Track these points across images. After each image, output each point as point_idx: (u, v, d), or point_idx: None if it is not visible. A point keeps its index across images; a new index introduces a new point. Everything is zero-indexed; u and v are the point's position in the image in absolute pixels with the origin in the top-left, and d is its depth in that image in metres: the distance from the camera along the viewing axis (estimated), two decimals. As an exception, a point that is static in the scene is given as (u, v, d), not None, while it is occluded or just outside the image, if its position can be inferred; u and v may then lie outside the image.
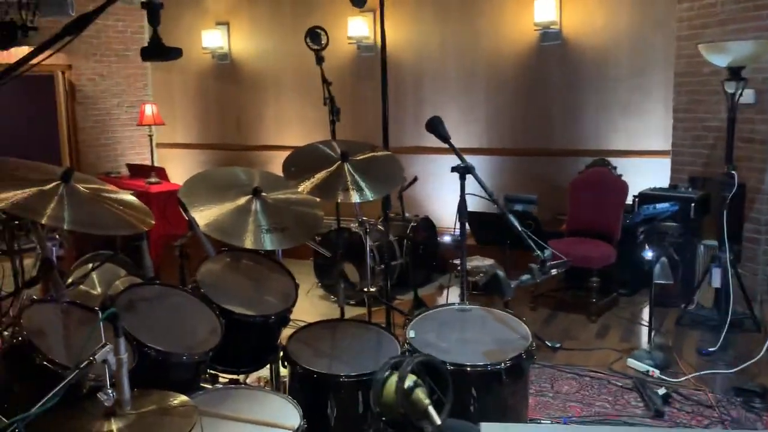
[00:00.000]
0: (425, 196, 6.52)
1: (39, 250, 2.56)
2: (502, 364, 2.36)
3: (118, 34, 7.86)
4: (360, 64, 6.74)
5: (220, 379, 2.63)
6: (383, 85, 3.36)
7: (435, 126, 2.86)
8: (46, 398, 1.49)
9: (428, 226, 6.08)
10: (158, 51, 1.90)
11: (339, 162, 2.85)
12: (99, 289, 5.35)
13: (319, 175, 2.83)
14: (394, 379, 2.01)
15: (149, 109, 7.18)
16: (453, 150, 2.80)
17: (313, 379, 2.43)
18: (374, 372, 2.12)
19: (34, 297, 2.05)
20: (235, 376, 2.65)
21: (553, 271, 2.47)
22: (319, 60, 3.13)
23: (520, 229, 2.50)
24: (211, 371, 2.57)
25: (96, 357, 1.52)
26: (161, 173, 6.37)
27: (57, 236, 2.28)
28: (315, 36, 3.14)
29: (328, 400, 2.39)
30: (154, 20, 1.87)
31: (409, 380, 2.00)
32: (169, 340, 2.22)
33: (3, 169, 2.15)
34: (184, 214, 2.58)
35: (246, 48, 7.50)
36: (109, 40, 7.80)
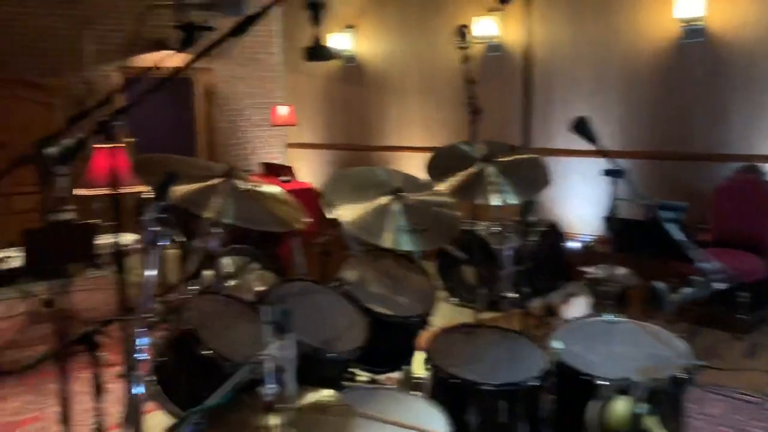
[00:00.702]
0: (551, 199, 6.31)
1: (195, 245, 2.69)
2: (665, 382, 2.20)
3: (252, 38, 8.22)
4: (486, 64, 6.63)
5: (356, 378, 2.65)
6: (526, 85, 3.25)
7: (583, 126, 2.72)
8: (219, 391, 1.53)
9: (555, 231, 5.87)
10: (320, 52, 1.93)
11: (481, 163, 2.79)
12: (235, 280, 5.63)
13: (460, 176, 2.78)
14: (624, 404, 1.92)
15: (283, 110, 7.46)
16: (602, 153, 2.66)
17: (455, 384, 2.39)
18: (519, 383, 2.04)
19: (197, 289, 2.15)
20: (372, 376, 2.66)
21: (717, 286, 2.28)
22: (465, 59, 3.08)
23: (680, 238, 2.33)
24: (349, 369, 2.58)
25: (267, 353, 1.56)
26: (290, 172, 6.59)
27: (218, 231, 2.37)
28: (462, 34, 3.09)
29: (470, 407, 2.34)
30: (316, 20, 1.90)
31: (642, 407, 1.91)
32: (317, 336, 2.25)
33: (168, 165, 2.27)
34: (328, 211, 2.62)
35: (372, 50, 7.60)
36: (244, 44, 8.17)
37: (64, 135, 1.84)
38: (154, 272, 1.55)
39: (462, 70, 3.03)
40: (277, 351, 1.58)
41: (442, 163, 2.93)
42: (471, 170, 2.79)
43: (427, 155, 3.05)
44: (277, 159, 8.06)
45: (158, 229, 1.49)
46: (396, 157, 7.31)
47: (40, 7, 7.00)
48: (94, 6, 7.18)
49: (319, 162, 8.18)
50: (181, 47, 1.65)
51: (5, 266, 4.60)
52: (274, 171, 6.87)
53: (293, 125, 7.56)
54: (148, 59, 7.72)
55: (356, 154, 7.84)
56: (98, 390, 2.08)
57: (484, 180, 2.74)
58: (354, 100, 7.85)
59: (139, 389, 1.74)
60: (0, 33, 6.79)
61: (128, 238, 5.18)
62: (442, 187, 2.75)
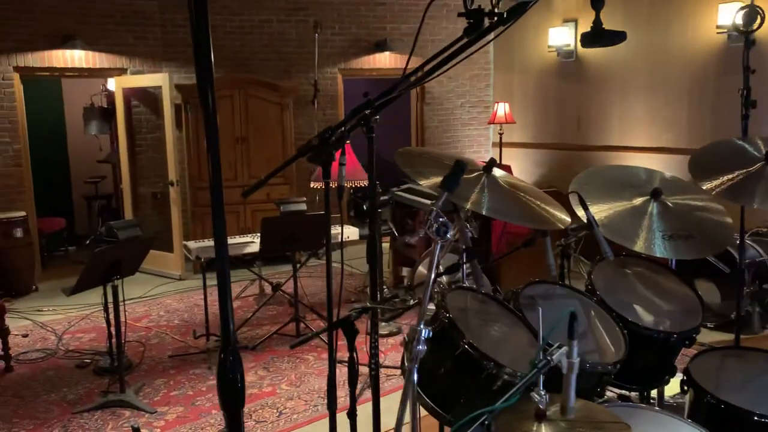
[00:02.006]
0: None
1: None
2: None
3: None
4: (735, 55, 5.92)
5: (607, 394, 2.42)
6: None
7: None
8: (508, 394, 1.44)
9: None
10: (600, 36, 1.76)
11: (763, 162, 2.41)
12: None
13: (732, 176, 2.44)
14: None
15: (501, 108, 7.35)
16: None
17: (722, 410, 2.08)
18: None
19: (455, 283, 2.09)
20: (624, 393, 2.42)
21: None
22: (749, 43, 2.70)
23: None
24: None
25: (552, 358, 1.43)
26: (507, 170, 6.44)
27: (469, 225, 2.30)
28: (751, 16, 2.71)
29: (743, 439, 2.02)
30: (597, 4, 1.74)
31: None
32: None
33: (420, 156, 2.24)
34: (582, 211, 2.43)
35: (593, 44, 7.19)
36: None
37: (339, 127, 1.86)
38: (436, 266, 1.49)
39: (740, 58, 2.65)
40: (559, 356, 1.45)
41: (707, 161, 2.59)
42: (747, 170, 2.43)
43: (653, 156, 2.74)
44: (486, 158, 7.97)
45: (442, 221, 1.43)
46: (617, 158, 6.82)
47: (277, 15, 7.60)
48: (321, 11, 7.63)
49: (529, 161, 7.93)
50: (467, 34, 1.57)
51: (245, 251, 5.01)
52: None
53: (512, 123, 7.42)
54: (366, 61, 8.04)
55: (570, 153, 7.46)
56: (351, 374, 2.10)
57: (764, 180, 2.37)
58: (570, 98, 7.48)
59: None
60: (243, 38, 7.49)
61: (348, 230, 5.39)
62: (707, 185, 2.42)
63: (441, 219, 1.43)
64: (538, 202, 2.10)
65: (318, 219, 4.76)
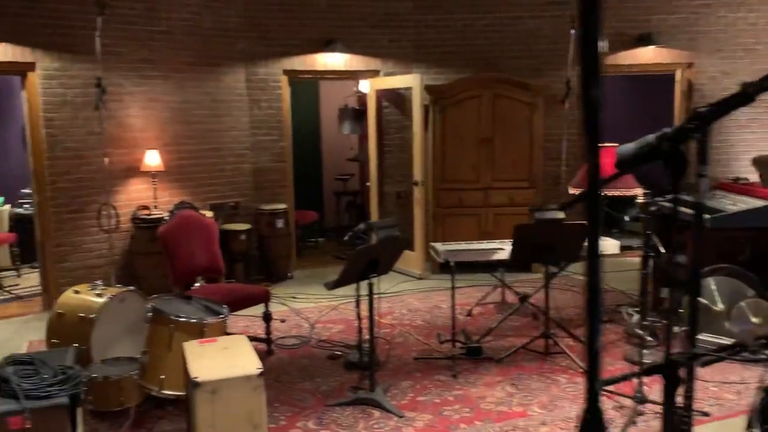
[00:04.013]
0: None
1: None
2: None
3: (749, 27, 7.12)
4: None
5: None
6: None
7: None
8: None
9: None
10: None
11: None
12: (720, 306, 4.85)
13: None
14: None
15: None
16: None
17: None
18: None
19: None
20: None
21: None
22: None
23: None
24: None
25: None
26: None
27: None
28: None
29: None
30: None
31: None
32: None
33: None
34: None
35: None
36: (738, 34, 7.14)
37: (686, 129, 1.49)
38: None
39: None
40: None
41: None
42: None
43: None
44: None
45: None
46: None
47: (531, 10, 7.28)
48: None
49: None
50: None
51: (492, 257, 4.78)
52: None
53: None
54: (626, 56, 7.37)
55: None
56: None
57: None
58: None
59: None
60: (493, 36, 7.30)
61: (606, 243, 4.89)
62: None
63: None
64: None
65: (576, 229, 4.37)
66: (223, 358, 3.00)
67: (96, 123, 5.64)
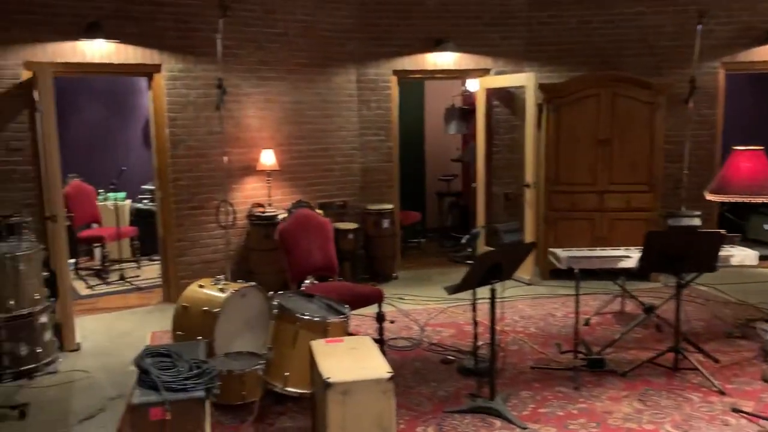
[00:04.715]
0: None
1: None
2: None
3: None
4: None
5: None
6: None
7: None
8: None
9: None
10: None
11: None
12: None
13: None
14: None
15: None
16: None
17: None
18: None
19: None
20: None
21: None
22: None
23: None
24: None
25: None
26: None
27: None
28: None
29: None
30: None
31: None
32: None
33: None
34: None
35: None
36: None
37: None
38: None
39: None
40: None
41: None
42: None
43: None
44: None
45: None
46: None
47: (653, 6, 6.91)
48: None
49: None
50: None
51: (618, 265, 4.54)
52: None
53: None
54: (757, 53, 6.86)
55: None
56: None
57: None
58: None
59: None
60: (611, 33, 6.99)
61: (742, 253, 4.53)
62: None
63: None
64: None
65: (713, 238, 4.07)
66: (352, 360, 2.98)
67: (216, 123, 5.83)
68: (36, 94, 5.14)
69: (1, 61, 5.26)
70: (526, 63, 7.13)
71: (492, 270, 3.63)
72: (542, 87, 6.57)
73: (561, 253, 4.55)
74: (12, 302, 4.39)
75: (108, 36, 5.57)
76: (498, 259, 3.60)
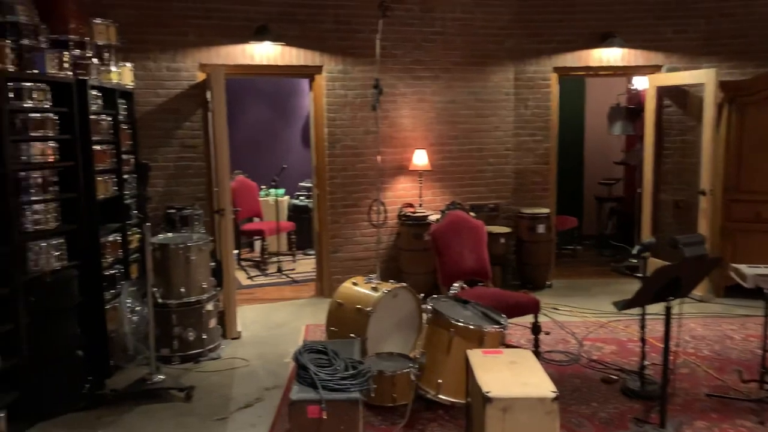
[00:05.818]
0: None
1: None
2: None
3: None
4: None
5: None
6: None
7: None
8: None
9: None
10: None
11: None
12: None
13: None
14: None
15: None
16: None
17: None
18: None
19: None
20: None
21: None
22: None
23: None
24: None
25: None
26: None
27: None
28: None
29: None
30: None
31: None
32: None
33: None
34: None
35: None
36: None
37: None
38: None
39: None
40: None
41: None
42: None
43: None
44: None
45: None
46: None
47: None
48: None
49: None
50: None
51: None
52: None
53: None
54: None
55: None
56: None
57: None
58: None
59: None
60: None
61: None
62: None
63: None
64: None
65: None
66: (512, 374, 2.81)
67: (372, 123, 5.86)
68: (209, 95, 5.46)
69: (180, 63, 5.65)
70: (704, 58, 6.48)
71: (670, 285, 3.28)
72: (724, 85, 5.93)
73: (746, 269, 4.04)
74: (183, 290, 4.69)
75: (274, 39, 5.80)
76: (678, 273, 3.24)
